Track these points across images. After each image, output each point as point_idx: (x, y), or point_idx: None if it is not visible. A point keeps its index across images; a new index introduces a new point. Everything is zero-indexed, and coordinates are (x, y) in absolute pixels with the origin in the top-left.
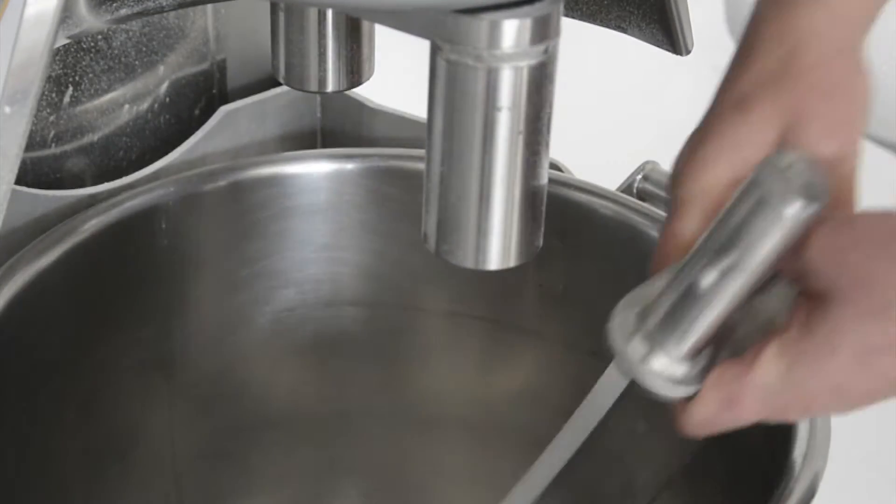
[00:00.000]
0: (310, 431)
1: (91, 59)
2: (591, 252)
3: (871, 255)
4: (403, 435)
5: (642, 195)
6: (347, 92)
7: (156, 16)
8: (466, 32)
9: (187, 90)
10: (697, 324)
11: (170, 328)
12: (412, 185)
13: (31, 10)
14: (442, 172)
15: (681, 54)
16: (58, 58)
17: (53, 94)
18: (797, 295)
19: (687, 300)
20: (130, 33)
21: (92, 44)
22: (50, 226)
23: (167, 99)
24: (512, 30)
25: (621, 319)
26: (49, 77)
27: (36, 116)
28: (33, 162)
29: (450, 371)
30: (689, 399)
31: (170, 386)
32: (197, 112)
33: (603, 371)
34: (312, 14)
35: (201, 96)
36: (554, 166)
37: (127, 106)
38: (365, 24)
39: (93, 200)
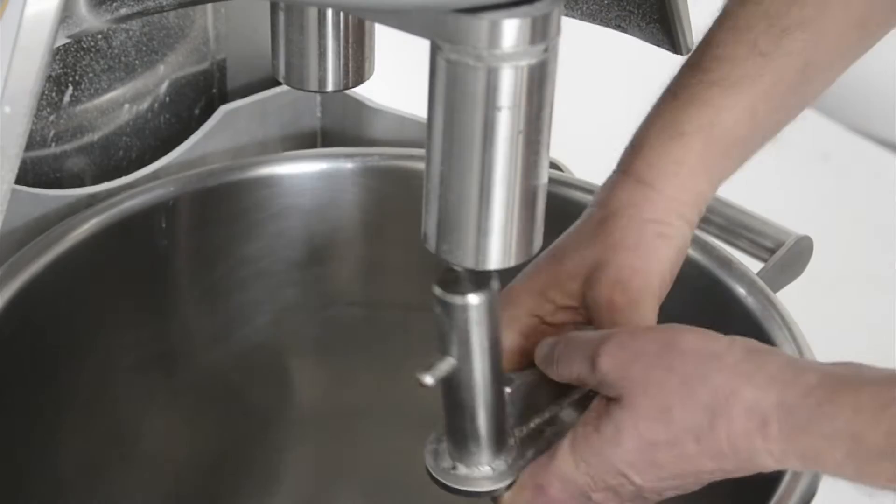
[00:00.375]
0: (310, 431)
1: (91, 58)
2: None
3: (649, 365)
4: (403, 435)
5: None
6: (347, 92)
7: (156, 16)
8: (466, 32)
9: (187, 90)
10: (472, 431)
11: (170, 328)
12: (412, 185)
13: (31, 10)
14: (442, 172)
15: (681, 54)
16: (58, 58)
17: (53, 94)
18: (595, 402)
19: (454, 414)
20: (130, 33)
21: (92, 44)
22: (50, 226)
23: (167, 99)
24: (512, 29)
25: (431, 447)
26: (49, 77)
27: (36, 116)
28: (33, 162)
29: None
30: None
31: (170, 386)
32: (197, 112)
33: None
34: (312, 14)
35: (201, 96)
36: (554, 166)
37: (127, 106)
38: (365, 24)
39: (93, 200)
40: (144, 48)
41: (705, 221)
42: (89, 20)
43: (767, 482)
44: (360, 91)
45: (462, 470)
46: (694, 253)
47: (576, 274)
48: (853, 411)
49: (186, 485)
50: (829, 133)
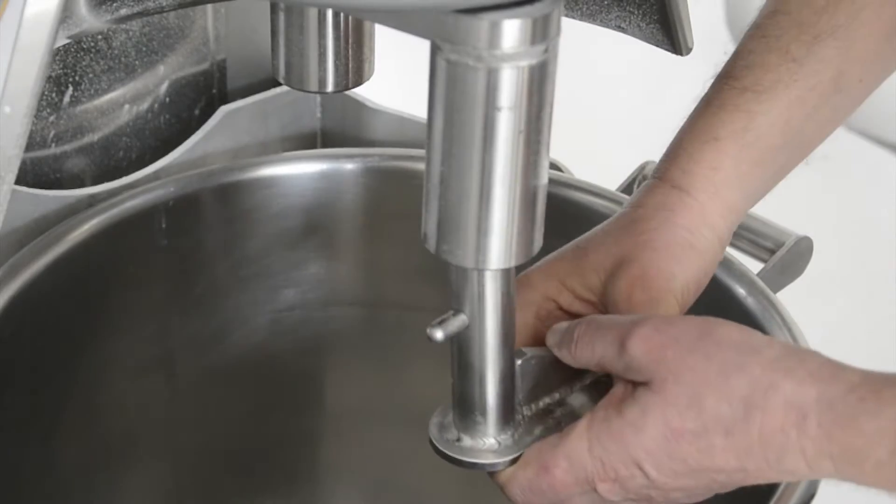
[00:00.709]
0: (310, 431)
1: (91, 59)
2: None
3: (686, 351)
4: (403, 435)
5: None
6: (347, 92)
7: (156, 16)
8: (467, 32)
9: (187, 90)
10: (479, 397)
11: (170, 328)
12: (412, 185)
13: (31, 10)
14: (442, 172)
15: (681, 54)
16: (58, 58)
17: (53, 94)
18: (614, 385)
19: (463, 378)
20: (130, 33)
21: (92, 44)
22: (50, 226)
23: (167, 99)
24: (512, 30)
25: (437, 420)
26: (49, 77)
27: (36, 116)
28: (33, 162)
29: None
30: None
31: (169, 386)
32: (197, 112)
33: None
34: (312, 14)
35: (201, 96)
36: (554, 166)
37: (127, 106)
38: (365, 25)
39: (93, 200)
40: (144, 48)
41: None
42: (89, 20)
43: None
44: (360, 91)
45: (467, 441)
46: None
47: (599, 267)
48: None
49: (186, 485)
50: None
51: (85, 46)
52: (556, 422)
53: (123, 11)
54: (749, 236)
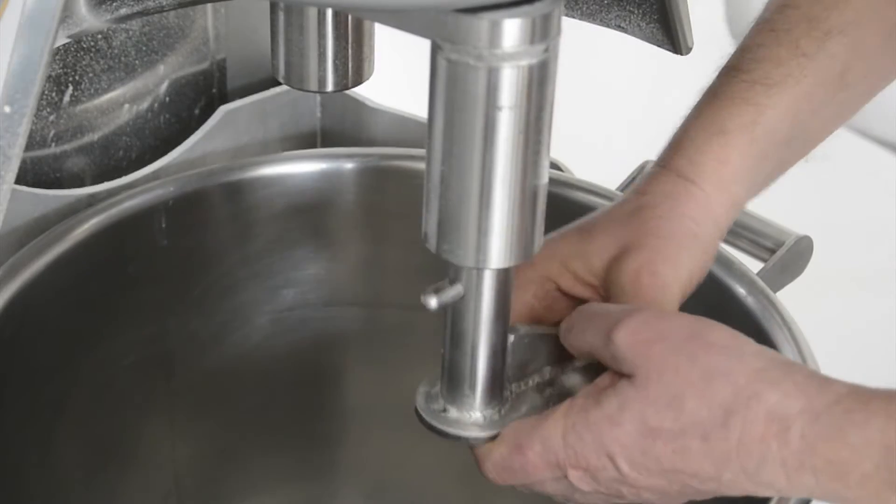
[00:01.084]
0: (310, 431)
1: (91, 58)
2: None
3: (672, 349)
4: (403, 435)
5: None
6: (347, 92)
7: (156, 16)
8: (467, 32)
9: (187, 90)
10: (469, 370)
11: (170, 328)
12: (412, 185)
13: (31, 10)
14: (442, 172)
15: (681, 54)
16: (58, 58)
17: (53, 94)
18: (600, 374)
19: (454, 348)
20: (130, 33)
21: (92, 44)
22: (50, 225)
23: (167, 99)
24: (513, 29)
25: (424, 389)
26: (49, 77)
27: (36, 116)
28: (33, 162)
29: None
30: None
31: (170, 386)
32: (197, 112)
33: None
34: (312, 14)
35: (201, 96)
36: (554, 166)
37: (127, 106)
38: (365, 24)
39: (93, 200)
40: (144, 48)
41: None
42: (89, 20)
43: None
44: (360, 91)
45: (453, 413)
46: None
47: (603, 251)
48: (887, 418)
49: (186, 485)
50: None
51: (85, 46)
52: (545, 401)
53: (123, 11)
54: (749, 236)
